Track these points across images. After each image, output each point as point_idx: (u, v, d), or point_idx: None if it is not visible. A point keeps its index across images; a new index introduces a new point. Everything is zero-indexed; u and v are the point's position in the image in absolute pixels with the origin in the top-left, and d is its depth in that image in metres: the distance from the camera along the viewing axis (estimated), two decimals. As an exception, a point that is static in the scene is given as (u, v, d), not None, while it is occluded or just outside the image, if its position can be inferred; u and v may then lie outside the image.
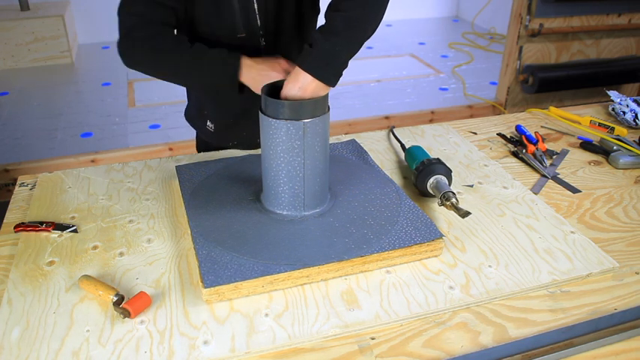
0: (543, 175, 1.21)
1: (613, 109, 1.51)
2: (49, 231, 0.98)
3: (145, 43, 1.08)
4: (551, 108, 1.53)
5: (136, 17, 1.07)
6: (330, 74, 0.95)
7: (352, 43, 0.99)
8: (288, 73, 1.03)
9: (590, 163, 1.28)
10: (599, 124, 1.43)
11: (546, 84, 3.26)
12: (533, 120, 1.49)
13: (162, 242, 0.96)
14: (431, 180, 1.06)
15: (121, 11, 1.09)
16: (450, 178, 1.08)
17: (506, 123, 1.46)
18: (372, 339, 0.78)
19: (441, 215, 1.05)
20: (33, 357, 0.73)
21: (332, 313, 0.81)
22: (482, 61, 4.29)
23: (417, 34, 4.95)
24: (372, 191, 1.06)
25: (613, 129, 1.40)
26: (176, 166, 1.15)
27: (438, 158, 1.10)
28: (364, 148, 1.24)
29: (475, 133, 1.41)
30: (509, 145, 1.34)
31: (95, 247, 0.95)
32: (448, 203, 0.98)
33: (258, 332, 0.78)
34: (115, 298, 0.80)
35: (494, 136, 1.39)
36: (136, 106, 3.51)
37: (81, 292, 0.85)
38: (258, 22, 1.16)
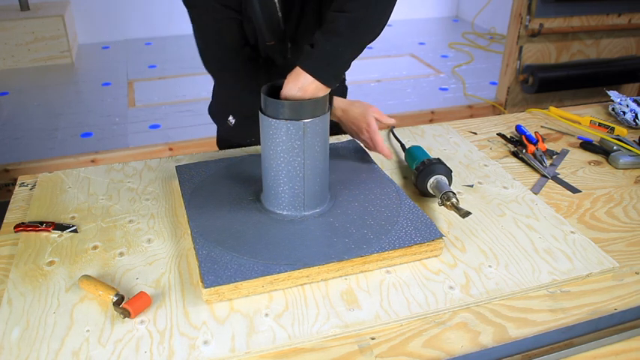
0: (543, 175, 1.21)
1: (613, 109, 1.51)
2: (49, 231, 0.98)
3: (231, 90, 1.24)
4: (551, 108, 1.53)
5: (216, 63, 1.18)
6: (330, 75, 0.95)
7: (354, 45, 0.98)
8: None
9: (590, 163, 1.28)
10: (599, 124, 1.43)
11: (546, 84, 3.26)
12: (533, 120, 1.49)
13: (162, 242, 0.96)
14: (431, 180, 1.06)
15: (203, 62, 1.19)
16: (450, 178, 1.08)
17: (506, 123, 1.46)
18: (372, 339, 0.78)
19: (441, 215, 1.05)
20: (33, 357, 0.73)
21: (332, 313, 0.81)
22: (482, 61, 4.28)
23: (417, 34, 4.95)
24: (372, 191, 1.06)
25: (613, 129, 1.40)
26: (176, 166, 1.15)
27: (438, 158, 1.10)
28: (364, 148, 1.24)
29: (475, 133, 1.41)
30: (509, 145, 1.34)
31: (95, 247, 0.95)
32: (448, 203, 0.98)
33: (258, 332, 0.78)
34: (115, 298, 0.80)
35: (494, 136, 1.39)
36: (136, 106, 3.51)
37: (81, 292, 0.85)
38: (282, 26, 1.15)
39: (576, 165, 1.26)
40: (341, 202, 1.02)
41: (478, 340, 0.78)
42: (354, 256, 0.88)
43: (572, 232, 1.00)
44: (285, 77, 0.97)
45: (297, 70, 0.95)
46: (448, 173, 1.07)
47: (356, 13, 0.96)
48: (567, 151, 1.32)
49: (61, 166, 2.74)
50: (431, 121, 3.34)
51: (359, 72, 3.99)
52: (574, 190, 1.16)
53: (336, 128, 1.41)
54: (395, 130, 1.37)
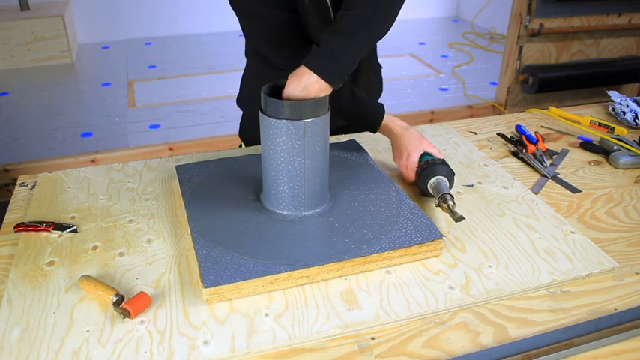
0: (543, 175, 1.21)
1: (613, 109, 1.51)
2: (49, 231, 0.98)
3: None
4: (551, 108, 1.53)
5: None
6: (334, 74, 0.94)
7: (360, 44, 0.97)
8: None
9: (590, 163, 1.28)
10: (599, 124, 1.43)
11: (546, 84, 3.26)
12: (533, 120, 1.49)
13: (162, 242, 0.96)
14: (432, 180, 1.06)
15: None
16: (452, 181, 1.07)
17: (506, 123, 1.46)
18: (372, 339, 0.78)
19: (441, 215, 1.05)
20: (33, 357, 0.73)
21: (332, 313, 0.81)
22: (482, 61, 4.28)
23: (417, 34, 4.95)
24: (372, 191, 1.06)
25: (613, 129, 1.40)
26: (176, 166, 1.15)
27: (442, 159, 1.10)
28: (364, 148, 1.24)
29: (475, 133, 1.41)
30: (509, 145, 1.34)
31: (95, 247, 0.95)
32: (445, 205, 0.98)
33: (258, 332, 0.78)
34: (115, 298, 0.80)
35: (494, 136, 1.39)
36: (136, 106, 3.51)
37: (81, 292, 0.85)
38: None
39: (576, 165, 1.26)
40: (341, 202, 1.02)
41: (478, 340, 0.78)
42: (354, 256, 0.88)
43: (572, 232, 1.00)
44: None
45: (301, 69, 0.94)
46: (450, 175, 1.07)
47: (361, 11, 0.95)
48: (567, 151, 1.32)
49: (61, 166, 2.74)
50: (431, 121, 3.34)
51: (359, 72, 3.99)
52: (574, 190, 1.16)
53: (336, 129, 1.41)
54: None
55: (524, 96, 3.43)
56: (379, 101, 1.40)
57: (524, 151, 1.29)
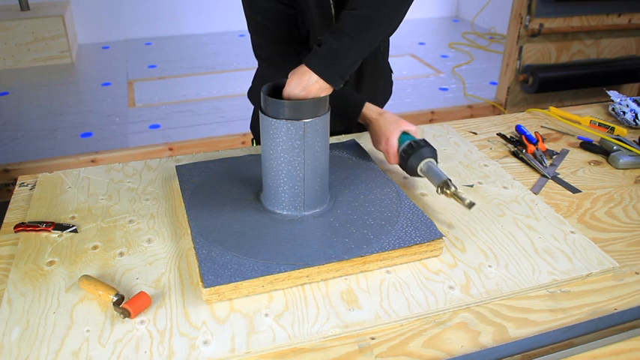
0: (543, 175, 1.21)
1: (613, 109, 1.51)
2: (49, 231, 0.98)
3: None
4: (551, 108, 1.53)
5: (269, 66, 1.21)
6: (335, 75, 0.94)
7: (361, 43, 0.96)
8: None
9: (590, 163, 1.28)
10: (599, 124, 1.43)
11: (546, 84, 3.26)
12: (533, 120, 1.49)
13: (162, 242, 0.96)
14: (421, 165, 1.05)
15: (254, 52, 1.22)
16: (436, 159, 1.07)
17: (506, 123, 1.46)
18: (372, 339, 0.78)
19: (441, 215, 1.05)
20: (33, 357, 0.73)
21: (332, 313, 0.81)
22: (483, 61, 4.29)
23: (417, 34, 4.95)
24: (372, 191, 1.06)
25: (613, 129, 1.40)
26: (176, 166, 1.16)
27: (424, 139, 1.10)
28: (364, 148, 1.24)
29: (475, 133, 1.41)
30: (509, 145, 1.34)
31: (95, 247, 0.95)
32: (449, 192, 0.97)
33: (258, 332, 0.78)
34: (115, 298, 0.80)
35: (494, 136, 1.39)
36: (136, 106, 3.51)
37: (81, 292, 0.85)
38: (334, 21, 1.16)
39: (576, 165, 1.26)
40: (341, 202, 1.02)
41: (478, 340, 0.78)
42: (354, 256, 0.88)
43: (572, 232, 1.00)
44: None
45: (302, 68, 0.94)
46: (435, 155, 1.07)
47: (365, 11, 0.94)
48: (567, 151, 1.32)
49: (61, 166, 2.74)
50: (431, 121, 3.34)
51: (359, 72, 3.99)
52: (574, 190, 1.16)
53: (335, 128, 1.41)
54: None
55: (524, 96, 3.43)
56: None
57: (524, 151, 1.29)
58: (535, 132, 1.35)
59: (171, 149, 2.93)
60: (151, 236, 0.98)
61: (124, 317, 0.79)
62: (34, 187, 1.14)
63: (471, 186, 1.15)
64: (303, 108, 0.92)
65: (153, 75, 3.99)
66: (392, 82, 1.44)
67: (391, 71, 1.43)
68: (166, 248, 0.95)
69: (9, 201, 1.10)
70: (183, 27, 4.76)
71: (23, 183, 1.16)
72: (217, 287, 0.81)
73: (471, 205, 0.95)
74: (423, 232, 0.93)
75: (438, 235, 0.92)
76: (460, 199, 0.96)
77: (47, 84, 3.82)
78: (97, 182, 1.15)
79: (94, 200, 1.08)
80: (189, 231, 0.97)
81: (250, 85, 1.46)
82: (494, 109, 3.49)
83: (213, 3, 4.71)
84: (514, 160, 1.28)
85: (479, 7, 5.01)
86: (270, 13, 1.14)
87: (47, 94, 3.65)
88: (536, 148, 1.28)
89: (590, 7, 3.20)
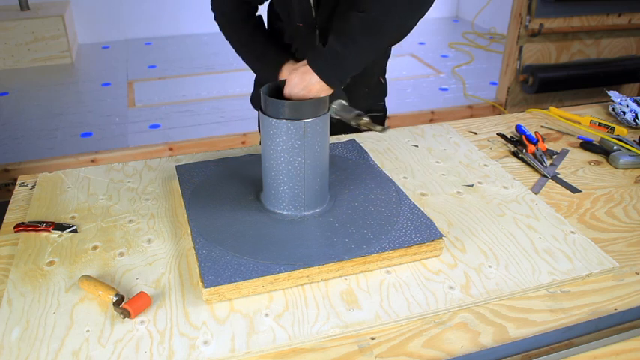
0: (543, 175, 1.21)
1: (613, 109, 1.51)
2: (49, 231, 0.98)
3: (229, 37, 1.28)
4: (551, 108, 1.53)
5: (222, 16, 1.25)
6: (335, 77, 0.93)
7: (365, 47, 0.94)
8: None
9: (590, 163, 1.28)
10: (599, 124, 1.43)
11: (546, 84, 3.26)
12: (533, 120, 1.49)
13: (162, 242, 0.96)
14: (333, 106, 1.05)
15: (212, 8, 1.26)
16: (345, 98, 1.08)
17: (506, 123, 1.46)
18: (372, 339, 0.78)
19: (441, 215, 1.05)
20: (33, 357, 0.73)
21: (332, 313, 0.81)
22: (483, 61, 4.28)
23: (417, 34, 4.94)
24: (372, 191, 1.06)
25: (613, 129, 1.40)
26: (176, 166, 1.15)
27: None
28: (364, 148, 1.24)
29: (475, 133, 1.41)
30: (509, 145, 1.34)
31: (95, 247, 0.95)
32: (363, 122, 0.98)
33: (258, 332, 0.78)
34: (115, 298, 0.80)
35: (494, 136, 1.39)
36: (136, 106, 3.51)
37: (81, 292, 0.85)
38: (313, 13, 1.16)
39: (576, 165, 1.26)
40: (341, 202, 1.02)
41: (478, 340, 0.78)
42: (354, 256, 0.88)
43: (572, 232, 1.00)
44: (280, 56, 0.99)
45: (304, 67, 0.94)
46: (343, 94, 1.07)
47: (374, 14, 0.92)
48: (567, 151, 1.32)
49: (61, 166, 2.74)
50: (431, 121, 3.34)
51: (359, 72, 3.98)
52: (574, 190, 1.16)
53: (335, 128, 1.41)
54: (395, 130, 1.37)
55: (524, 96, 3.43)
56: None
57: (524, 151, 1.29)
58: (535, 132, 1.35)
59: (171, 149, 2.93)
60: (151, 236, 0.98)
61: (124, 317, 0.79)
62: (34, 187, 1.14)
63: (471, 186, 1.15)
64: (303, 108, 0.92)
65: (153, 75, 3.99)
66: (381, 81, 1.43)
67: (384, 71, 1.42)
68: (166, 248, 0.95)
69: (9, 201, 1.10)
70: (184, 27, 4.76)
71: (23, 183, 1.16)
72: (217, 287, 0.81)
73: (383, 130, 0.95)
74: (423, 232, 0.93)
75: (438, 235, 0.92)
76: (373, 127, 0.96)
77: (47, 84, 3.81)
78: (97, 182, 1.15)
79: (94, 200, 1.08)
80: (189, 231, 0.97)
81: (252, 90, 1.46)
82: (494, 109, 3.48)
83: (213, 3, 4.70)
84: (514, 160, 1.28)
85: (479, 7, 5.00)
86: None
87: (47, 94, 3.65)
88: (536, 148, 1.28)
89: (590, 7, 3.20)
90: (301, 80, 0.93)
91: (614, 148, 1.29)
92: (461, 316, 0.82)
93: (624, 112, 1.47)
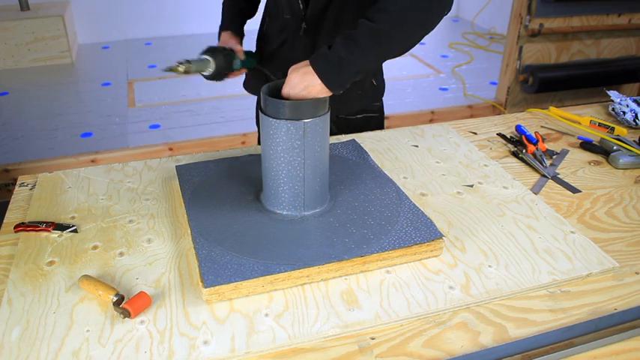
0: (543, 175, 1.21)
1: (613, 109, 1.51)
2: (49, 231, 0.98)
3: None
4: (551, 108, 1.53)
5: None
6: (336, 81, 0.93)
7: (370, 56, 0.95)
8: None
9: (590, 163, 1.28)
10: (599, 124, 1.43)
11: (546, 84, 3.26)
12: (533, 120, 1.49)
13: (162, 242, 0.96)
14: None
15: None
16: (220, 60, 1.25)
17: (506, 123, 1.46)
18: (372, 339, 0.78)
19: (441, 215, 1.05)
20: (33, 357, 0.73)
21: (332, 313, 0.81)
22: (483, 61, 4.28)
23: (417, 34, 4.94)
24: (372, 191, 1.06)
25: (613, 129, 1.40)
26: (176, 166, 1.15)
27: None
28: (364, 148, 1.24)
29: (475, 133, 1.41)
30: (509, 145, 1.34)
31: (95, 247, 0.95)
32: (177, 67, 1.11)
33: (258, 332, 0.78)
34: (115, 298, 0.80)
35: (494, 136, 1.39)
36: (136, 106, 3.51)
37: (81, 292, 0.85)
38: (300, 5, 1.21)
39: (576, 165, 1.26)
40: (341, 202, 1.02)
41: (478, 340, 0.78)
42: (354, 256, 0.88)
43: (572, 232, 1.00)
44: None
45: (307, 67, 0.94)
46: (220, 55, 1.22)
47: (380, 25, 0.92)
48: (567, 151, 1.32)
49: (61, 166, 2.74)
50: (431, 121, 3.34)
51: (359, 72, 3.98)
52: (574, 190, 1.16)
53: (336, 129, 1.41)
54: (395, 130, 1.37)
55: (524, 96, 3.43)
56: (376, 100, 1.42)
57: (524, 151, 1.29)
58: (535, 132, 1.35)
59: (171, 149, 2.93)
60: (151, 236, 0.98)
61: (124, 317, 0.79)
62: (34, 187, 1.14)
63: (471, 186, 1.15)
64: (303, 108, 0.92)
65: (153, 75, 3.99)
66: (373, 83, 1.42)
67: (380, 73, 1.42)
68: (166, 248, 0.95)
69: (9, 201, 1.10)
70: (184, 27, 4.76)
71: (23, 183, 1.16)
72: (217, 287, 0.81)
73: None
74: (423, 232, 0.93)
75: (438, 235, 0.92)
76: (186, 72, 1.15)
77: (47, 84, 3.81)
78: (97, 182, 1.15)
79: (94, 200, 1.08)
80: (189, 231, 0.97)
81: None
82: (494, 109, 3.48)
83: (213, 3, 4.67)
84: (514, 160, 1.28)
85: (479, 7, 5.00)
86: None
87: (47, 94, 3.65)
88: (536, 148, 1.28)
89: (590, 7, 3.20)
90: (302, 80, 0.93)
91: (614, 148, 1.29)
92: (461, 316, 0.82)
93: (624, 112, 1.47)
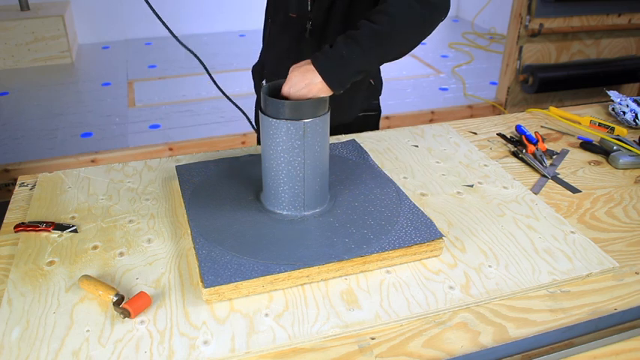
0: (543, 175, 1.21)
1: (613, 109, 1.51)
2: (49, 231, 0.98)
3: None
4: (551, 108, 1.53)
5: None
6: (337, 80, 0.93)
7: (370, 57, 0.96)
8: None
9: (590, 163, 1.28)
10: (599, 124, 1.43)
11: (546, 84, 3.26)
12: (533, 120, 1.49)
13: (162, 242, 0.96)
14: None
15: None
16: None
17: (506, 123, 1.46)
18: (372, 339, 0.78)
19: (441, 215, 1.05)
20: (33, 357, 0.73)
21: (332, 313, 0.81)
22: (483, 61, 4.28)
23: (417, 34, 4.93)
24: (372, 191, 1.06)
25: (613, 129, 1.40)
26: (176, 166, 1.16)
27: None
28: (364, 148, 1.24)
29: (475, 133, 1.41)
30: (509, 145, 1.34)
31: (95, 247, 0.95)
32: None
33: (258, 332, 0.78)
34: (115, 298, 0.80)
35: (494, 136, 1.39)
36: (136, 106, 3.51)
37: (81, 292, 0.85)
38: (309, 6, 1.20)
39: (576, 165, 1.26)
40: (341, 202, 1.02)
41: (478, 340, 0.78)
42: (354, 256, 0.88)
43: (572, 232, 1.00)
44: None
45: (308, 65, 0.94)
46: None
47: (381, 27, 0.95)
48: (567, 151, 1.32)
49: (61, 166, 2.74)
50: (431, 121, 3.34)
51: (359, 72, 3.99)
52: (574, 190, 1.16)
53: (337, 129, 1.41)
54: (395, 130, 1.37)
55: (524, 96, 3.43)
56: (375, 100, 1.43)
57: (524, 151, 1.29)
58: (535, 132, 1.35)
59: (171, 149, 2.93)
60: (151, 236, 0.98)
61: (124, 317, 0.79)
62: (34, 187, 1.14)
63: (471, 186, 1.15)
64: (303, 108, 0.92)
65: (153, 75, 3.99)
66: (371, 83, 1.43)
67: (378, 72, 1.43)
68: (166, 248, 0.95)
69: (9, 201, 1.10)
70: (184, 27, 4.76)
71: (23, 183, 1.16)
72: (217, 287, 0.81)
73: None
74: (423, 232, 0.93)
75: (438, 235, 0.92)
76: None
77: (47, 84, 3.81)
78: (97, 182, 1.15)
79: (94, 200, 1.08)
80: (189, 231, 0.97)
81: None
82: (494, 109, 3.48)
83: (213, 3, 4.71)
84: (514, 160, 1.28)
85: (479, 7, 5.01)
86: None
87: (47, 94, 3.65)
88: (536, 148, 1.28)
89: (590, 7, 3.20)
90: (303, 79, 0.93)
91: (614, 148, 1.29)
92: (461, 316, 0.82)
93: (624, 112, 1.47)
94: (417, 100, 3.61)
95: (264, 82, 1.41)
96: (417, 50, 4.50)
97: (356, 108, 1.40)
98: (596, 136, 1.39)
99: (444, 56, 4.40)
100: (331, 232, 0.94)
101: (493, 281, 0.88)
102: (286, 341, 0.76)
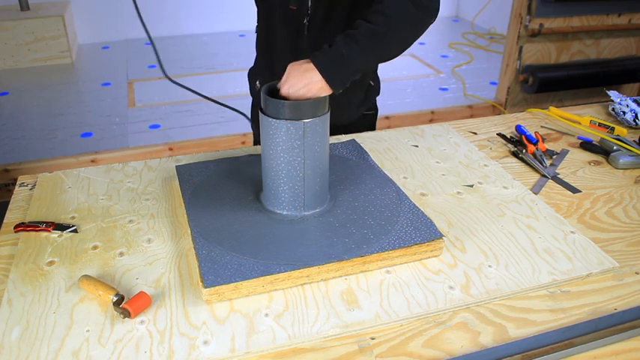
0: (543, 175, 1.21)
1: (613, 109, 1.51)
2: (49, 231, 0.98)
3: None
4: (551, 108, 1.53)
5: None
6: (337, 78, 0.94)
7: (369, 56, 0.98)
8: None
9: (590, 163, 1.28)
10: (599, 124, 1.43)
11: (546, 84, 3.26)
12: (533, 120, 1.49)
13: (162, 242, 0.96)
14: None
15: None
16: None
17: (506, 123, 1.46)
18: (372, 339, 0.78)
19: (441, 215, 1.05)
20: (33, 357, 0.73)
21: (332, 313, 0.81)
22: (483, 61, 4.28)
23: (417, 34, 4.93)
24: (372, 191, 1.06)
25: (613, 129, 1.40)
26: (176, 166, 1.15)
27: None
28: (364, 148, 1.24)
29: (475, 133, 1.41)
30: (509, 145, 1.34)
31: (95, 247, 0.95)
32: None
33: (258, 332, 0.78)
34: (115, 298, 0.80)
35: (494, 136, 1.39)
36: (136, 106, 3.51)
37: (81, 292, 0.85)
38: (309, 1, 1.19)
39: (576, 165, 1.26)
40: (341, 202, 1.02)
41: (478, 340, 0.78)
42: (354, 256, 0.88)
43: (572, 232, 1.00)
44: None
45: (307, 64, 0.94)
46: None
47: (378, 27, 0.97)
48: (567, 151, 1.32)
49: (61, 166, 2.74)
50: (431, 121, 3.34)
51: (359, 72, 3.98)
52: (574, 190, 1.16)
53: (336, 129, 1.41)
54: (395, 130, 1.37)
55: (524, 96, 3.43)
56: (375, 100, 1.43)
57: (524, 151, 1.29)
58: (535, 132, 1.35)
59: (171, 149, 2.93)
60: (151, 236, 0.98)
61: (124, 317, 0.79)
62: (34, 187, 1.14)
63: (471, 186, 1.15)
64: (303, 108, 0.92)
65: (153, 75, 3.99)
66: (370, 84, 1.43)
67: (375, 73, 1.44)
68: (166, 248, 0.95)
69: (9, 201, 1.10)
70: (184, 27, 4.76)
71: (23, 183, 1.16)
72: (217, 287, 0.81)
73: None
74: (423, 232, 0.93)
75: (438, 235, 0.92)
76: None
77: (47, 84, 3.81)
78: (97, 182, 1.15)
79: (94, 200, 1.08)
80: (189, 231, 0.97)
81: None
82: (494, 109, 3.48)
83: (213, 3, 4.71)
84: (514, 160, 1.28)
85: (479, 7, 5.00)
86: None
87: (47, 94, 3.65)
88: (536, 148, 1.28)
89: (590, 7, 3.20)
90: (302, 78, 0.93)
91: (614, 148, 1.29)
92: (461, 316, 0.82)
93: (624, 112, 1.47)
94: (417, 100, 3.61)
95: (257, 83, 1.40)
96: (417, 50, 4.50)
97: (355, 109, 1.40)
98: (596, 136, 1.39)
99: (444, 56, 4.40)
100: (331, 232, 0.94)
101: (493, 281, 0.88)
102: (286, 341, 0.76)
